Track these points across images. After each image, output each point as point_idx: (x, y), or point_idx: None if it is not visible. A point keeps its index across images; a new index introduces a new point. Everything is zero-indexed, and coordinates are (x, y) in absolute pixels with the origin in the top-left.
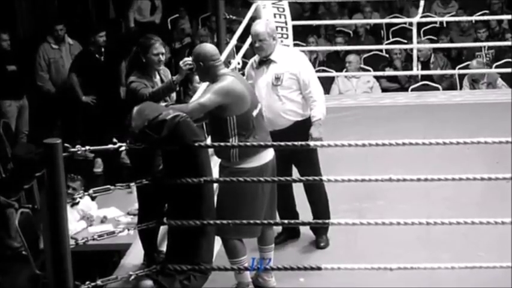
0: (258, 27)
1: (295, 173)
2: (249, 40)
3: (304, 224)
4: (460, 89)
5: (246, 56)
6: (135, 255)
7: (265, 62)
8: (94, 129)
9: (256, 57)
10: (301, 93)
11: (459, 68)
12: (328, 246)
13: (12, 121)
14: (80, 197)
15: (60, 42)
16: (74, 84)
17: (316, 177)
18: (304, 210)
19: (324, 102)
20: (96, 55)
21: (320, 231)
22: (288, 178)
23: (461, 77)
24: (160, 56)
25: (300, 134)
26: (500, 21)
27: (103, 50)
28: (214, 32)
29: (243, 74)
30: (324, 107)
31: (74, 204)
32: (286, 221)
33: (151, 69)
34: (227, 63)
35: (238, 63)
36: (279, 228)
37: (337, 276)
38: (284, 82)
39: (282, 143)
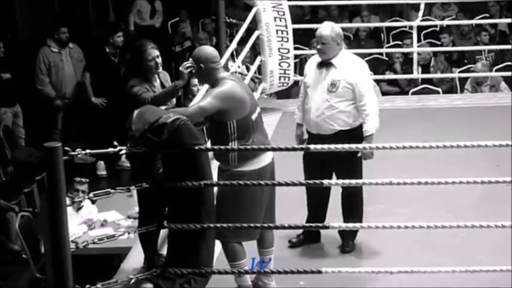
0: (323, 29)
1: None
2: (250, 44)
3: (304, 227)
4: (461, 92)
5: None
6: (136, 259)
7: (325, 64)
8: (95, 132)
9: (317, 58)
10: (353, 103)
11: (460, 72)
12: (354, 251)
13: None
14: (80, 201)
15: (64, 45)
16: (86, 83)
17: (321, 181)
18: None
19: (377, 115)
20: (112, 57)
21: (348, 236)
22: (288, 181)
23: (462, 80)
24: (156, 59)
25: (343, 143)
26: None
27: (118, 51)
28: (212, 35)
29: (244, 78)
30: (377, 121)
31: (79, 208)
32: (286, 225)
33: (150, 74)
34: (226, 66)
35: (239, 67)
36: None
37: (338, 280)
38: (339, 90)
39: (282, 147)
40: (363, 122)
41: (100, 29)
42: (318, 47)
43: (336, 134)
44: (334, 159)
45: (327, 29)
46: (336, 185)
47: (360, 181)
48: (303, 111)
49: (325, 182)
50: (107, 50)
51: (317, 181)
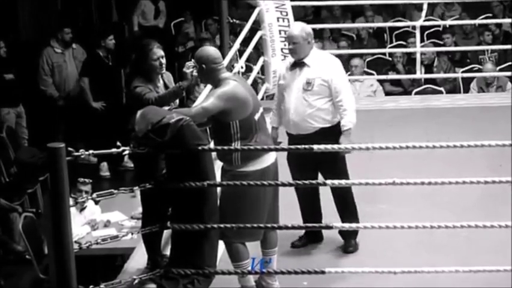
0: (293, 29)
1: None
2: (253, 44)
3: (307, 228)
4: (464, 92)
5: (250, 60)
6: (139, 259)
7: (298, 64)
8: (98, 133)
9: (290, 59)
10: (330, 100)
11: (463, 72)
12: (357, 250)
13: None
14: (84, 201)
15: (67, 46)
16: (85, 88)
17: (324, 181)
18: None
19: (354, 111)
20: (105, 60)
21: (349, 236)
22: (292, 182)
23: (465, 80)
24: (161, 59)
25: (325, 140)
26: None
27: (109, 55)
28: (214, 35)
29: (247, 78)
30: (354, 116)
31: (83, 209)
32: (289, 225)
33: (154, 74)
34: (230, 67)
35: (242, 67)
36: (300, 232)
37: (341, 280)
38: (315, 88)
39: (285, 147)
40: (340, 118)
41: (95, 31)
42: (290, 47)
43: (317, 132)
44: (318, 158)
45: (297, 28)
46: (339, 185)
47: (363, 181)
48: (280, 114)
49: (329, 182)
50: (100, 53)
51: (320, 181)
